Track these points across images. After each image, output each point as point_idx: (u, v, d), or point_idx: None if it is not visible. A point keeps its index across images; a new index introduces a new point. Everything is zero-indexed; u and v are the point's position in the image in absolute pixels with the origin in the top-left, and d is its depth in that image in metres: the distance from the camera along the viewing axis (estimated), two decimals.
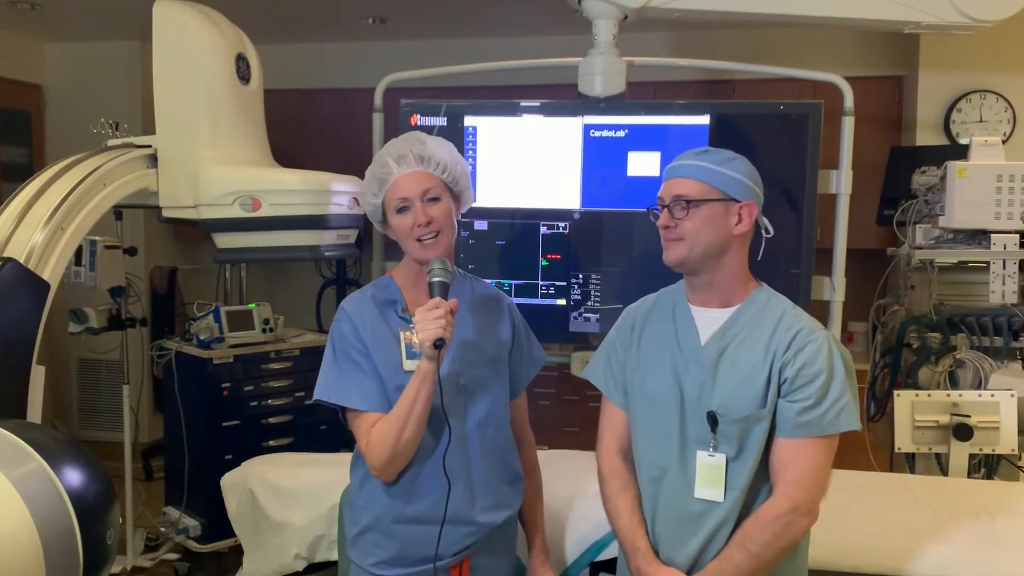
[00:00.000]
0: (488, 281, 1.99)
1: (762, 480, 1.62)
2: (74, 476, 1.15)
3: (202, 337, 3.68)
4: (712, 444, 1.60)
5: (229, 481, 2.57)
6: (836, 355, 1.59)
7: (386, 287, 1.81)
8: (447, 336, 1.59)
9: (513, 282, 2.94)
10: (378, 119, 3.21)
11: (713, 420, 1.60)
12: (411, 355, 1.69)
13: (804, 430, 1.57)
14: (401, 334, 1.73)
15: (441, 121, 2.96)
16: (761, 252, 1.72)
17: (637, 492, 1.70)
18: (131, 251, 3.70)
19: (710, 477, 1.60)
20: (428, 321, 1.59)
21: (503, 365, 1.83)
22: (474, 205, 1.93)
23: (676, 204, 1.62)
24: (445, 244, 1.73)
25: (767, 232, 1.69)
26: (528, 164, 2.93)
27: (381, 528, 1.75)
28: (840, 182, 2.87)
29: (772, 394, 1.59)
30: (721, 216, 1.62)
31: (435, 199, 1.73)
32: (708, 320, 1.67)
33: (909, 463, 2.78)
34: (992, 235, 2.79)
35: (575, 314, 2.93)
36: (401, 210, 1.73)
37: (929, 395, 2.62)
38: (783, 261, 2.75)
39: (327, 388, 1.74)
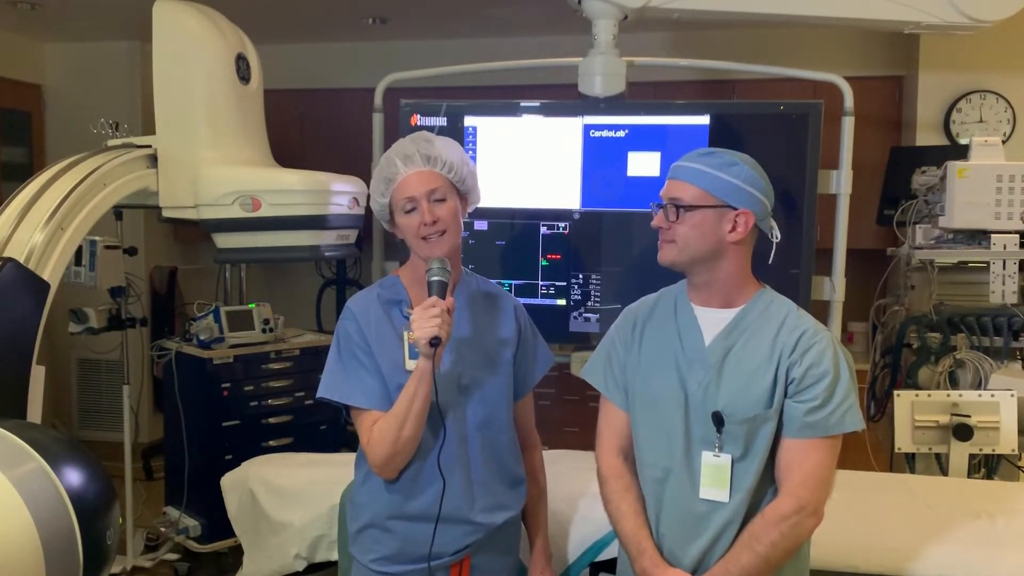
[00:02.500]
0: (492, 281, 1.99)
1: (767, 481, 1.61)
2: (74, 476, 1.15)
3: (202, 337, 3.68)
4: (717, 444, 1.60)
5: (229, 481, 2.57)
6: (841, 356, 1.60)
7: (392, 286, 1.82)
8: (443, 335, 1.60)
9: (513, 282, 2.94)
10: (378, 119, 3.21)
11: (719, 420, 1.59)
12: (413, 355, 1.70)
13: (810, 430, 1.57)
14: (405, 333, 1.74)
15: (441, 121, 2.95)
16: (771, 257, 1.69)
17: (639, 493, 1.69)
18: (131, 251, 3.70)
19: (715, 477, 1.60)
20: (424, 320, 1.60)
21: (506, 364, 1.83)
22: None
23: (670, 207, 1.63)
24: (451, 243, 1.74)
25: (774, 238, 1.67)
26: (528, 164, 2.93)
27: (382, 525, 1.76)
28: (840, 182, 2.87)
29: (779, 395, 1.58)
30: (714, 223, 1.60)
31: (441, 199, 1.73)
32: (711, 320, 1.66)
33: (909, 463, 2.78)
34: (992, 235, 2.79)
35: (575, 314, 2.93)
36: (408, 210, 1.73)
37: (929, 395, 2.62)
38: (783, 261, 2.75)
39: (331, 386, 1.76)
